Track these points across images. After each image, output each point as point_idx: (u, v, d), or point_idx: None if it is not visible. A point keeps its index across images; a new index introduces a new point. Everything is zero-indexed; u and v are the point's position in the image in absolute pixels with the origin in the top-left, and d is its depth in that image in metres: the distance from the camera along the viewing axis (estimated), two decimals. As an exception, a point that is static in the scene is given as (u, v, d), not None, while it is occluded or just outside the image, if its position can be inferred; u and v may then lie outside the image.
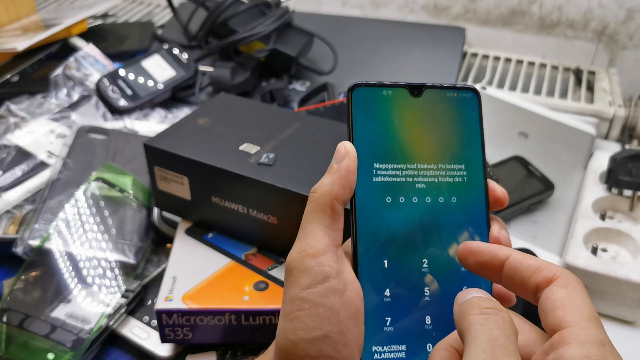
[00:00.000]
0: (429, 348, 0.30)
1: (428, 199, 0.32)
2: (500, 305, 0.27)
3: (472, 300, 0.27)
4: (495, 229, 0.33)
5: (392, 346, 0.30)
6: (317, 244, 0.30)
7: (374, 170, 0.32)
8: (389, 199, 0.32)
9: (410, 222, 0.32)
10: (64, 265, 0.51)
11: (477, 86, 0.79)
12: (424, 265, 0.31)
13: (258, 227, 0.49)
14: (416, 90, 0.33)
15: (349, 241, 0.34)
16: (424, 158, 0.32)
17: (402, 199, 0.32)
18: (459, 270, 0.31)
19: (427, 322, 0.31)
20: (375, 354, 0.30)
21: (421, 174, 0.32)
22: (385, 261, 0.31)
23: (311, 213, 0.31)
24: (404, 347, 0.30)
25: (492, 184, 0.34)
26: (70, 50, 0.84)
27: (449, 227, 0.32)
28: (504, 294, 0.32)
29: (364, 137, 0.32)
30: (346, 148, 0.32)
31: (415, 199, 0.32)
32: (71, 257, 0.52)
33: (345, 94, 0.33)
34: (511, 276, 0.28)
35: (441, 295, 0.31)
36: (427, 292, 0.31)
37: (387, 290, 0.31)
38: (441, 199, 0.32)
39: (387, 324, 0.30)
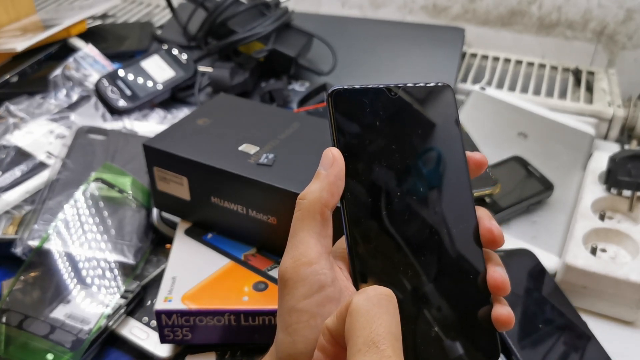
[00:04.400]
0: (433, 334, 0.31)
1: (415, 192, 0.33)
2: None
3: None
4: (486, 220, 0.33)
5: None
6: (310, 252, 0.30)
7: (361, 171, 0.32)
8: (377, 197, 0.32)
9: (401, 217, 0.32)
10: (63, 266, 0.51)
11: (477, 86, 0.79)
12: (419, 257, 0.32)
13: (257, 227, 0.49)
14: (393, 91, 0.34)
15: (337, 245, 0.34)
16: (407, 153, 0.33)
17: (390, 196, 0.32)
18: (452, 260, 0.32)
19: (428, 316, 0.31)
20: None
21: (406, 168, 0.33)
22: (381, 259, 0.31)
23: (301, 220, 0.31)
24: None
25: (469, 153, 0.34)
26: (70, 50, 0.84)
27: (437, 216, 0.32)
28: (499, 282, 0.32)
29: (348, 140, 0.33)
30: (333, 154, 0.32)
31: (402, 194, 0.32)
32: (70, 258, 0.52)
33: (325, 100, 0.34)
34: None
35: (437, 286, 0.31)
36: (424, 284, 0.31)
37: (387, 286, 0.31)
38: (427, 191, 0.33)
39: None
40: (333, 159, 0.32)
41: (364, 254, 0.31)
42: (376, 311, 0.26)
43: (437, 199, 0.33)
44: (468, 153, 0.34)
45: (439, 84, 0.35)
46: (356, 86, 0.33)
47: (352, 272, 0.31)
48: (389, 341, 0.25)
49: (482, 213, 0.33)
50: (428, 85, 0.35)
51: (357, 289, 0.31)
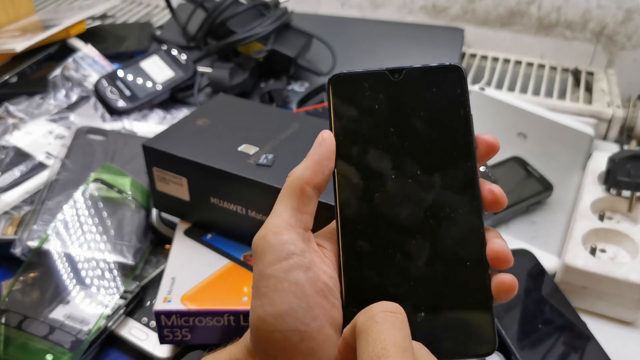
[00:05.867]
0: (419, 319, 0.31)
1: (413, 178, 0.32)
2: None
3: None
4: (486, 184, 0.32)
5: None
6: (281, 222, 0.31)
7: (356, 155, 0.32)
8: (371, 182, 0.32)
9: (397, 205, 0.32)
10: (62, 267, 0.51)
11: (476, 87, 0.79)
12: (410, 246, 0.31)
13: (257, 227, 0.48)
14: (396, 73, 0.33)
15: (330, 228, 0.34)
16: (408, 138, 0.32)
17: (384, 182, 0.32)
18: (443, 252, 0.31)
19: (421, 305, 0.31)
20: None
21: (404, 154, 0.32)
22: (371, 245, 0.32)
23: (281, 195, 0.32)
24: None
25: (479, 135, 0.32)
26: (69, 51, 0.84)
27: (436, 208, 0.32)
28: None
29: (344, 124, 0.32)
30: (323, 136, 0.33)
31: (399, 180, 0.32)
32: (70, 258, 0.52)
33: (325, 86, 0.34)
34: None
35: (427, 274, 0.31)
36: (413, 274, 0.31)
37: (373, 272, 0.31)
38: (428, 180, 0.32)
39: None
40: (322, 139, 0.32)
41: (354, 237, 0.31)
42: (379, 327, 0.26)
43: (437, 185, 0.32)
44: (478, 135, 0.32)
45: (447, 64, 0.32)
46: (357, 70, 0.33)
47: (341, 255, 0.32)
48: (395, 354, 0.25)
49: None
50: (434, 66, 0.32)
51: (344, 272, 0.31)
